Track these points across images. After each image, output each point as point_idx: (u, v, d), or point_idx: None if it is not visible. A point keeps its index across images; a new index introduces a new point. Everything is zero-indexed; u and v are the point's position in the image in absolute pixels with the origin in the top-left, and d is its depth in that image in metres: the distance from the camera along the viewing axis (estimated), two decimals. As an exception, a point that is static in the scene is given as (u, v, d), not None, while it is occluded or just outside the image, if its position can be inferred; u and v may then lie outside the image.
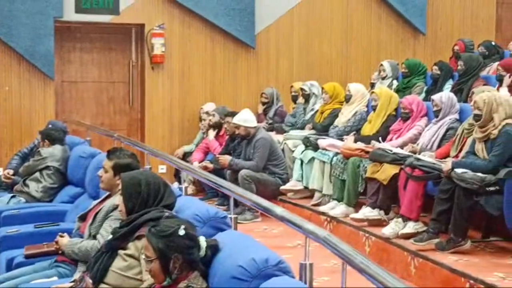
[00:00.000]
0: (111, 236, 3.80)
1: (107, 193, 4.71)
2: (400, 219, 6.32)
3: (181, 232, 3.06)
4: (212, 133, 9.29)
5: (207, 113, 9.70)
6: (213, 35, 10.27)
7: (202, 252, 3.12)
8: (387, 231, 6.32)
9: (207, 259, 3.15)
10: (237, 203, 7.25)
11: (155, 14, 9.99)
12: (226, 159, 8.30)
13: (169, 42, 10.03)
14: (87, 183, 6.18)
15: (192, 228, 3.17)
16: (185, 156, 9.91)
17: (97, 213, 4.49)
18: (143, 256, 3.24)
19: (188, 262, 3.09)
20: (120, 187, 3.94)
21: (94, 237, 4.37)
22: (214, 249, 3.17)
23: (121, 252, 3.76)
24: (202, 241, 3.14)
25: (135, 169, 4.37)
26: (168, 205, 3.81)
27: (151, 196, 3.76)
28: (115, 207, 4.23)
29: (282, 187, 8.23)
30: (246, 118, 8.22)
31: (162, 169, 9.95)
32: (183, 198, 4.25)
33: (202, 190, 9.30)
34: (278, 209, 3.66)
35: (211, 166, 8.74)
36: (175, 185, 8.91)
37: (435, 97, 7.02)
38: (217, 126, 9.32)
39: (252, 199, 4.04)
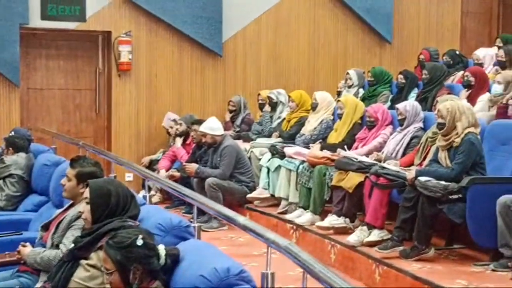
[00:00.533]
0: (73, 245, 3.76)
1: (71, 202, 4.67)
2: (365, 227, 6.36)
3: (139, 242, 3.04)
4: (179, 141, 9.28)
5: (174, 120, 9.68)
6: (180, 42, 10.26)
7: (162, 261, 3.11)
8: (352, 239, 6.35)
9: (167, 268, 3.14)
10: (204, 211, 7.24)
11: (122, 21, 9.95)
12: (192, 167, 8.29)
13: (136, 49, 10.00)
14: (51, 191, 6.11)
15: (150, 238, 3.15)
16: (152, 164, 9.88)
17: (60, 222, 4.44)
18: (102, 268, 3.22)
19: (148, 272, 3.08)
20: (84, 196, 3.91)
21: (57, 247, 4.33)
22: (174, 257, 3.16)
23: (83, 262, 3.73)
24: (161, 249, 3.13)
25: (99, 178, 4.33)
26: (132, 215, 3.79)
27: (119, 207, 3.73)
28: (78, 216, 4.19)
29: (248, 195, 8.24)
30: (212, 126, 8.23)
31: (129, 177, 9.89)
32: (147, 207, 4.22)
33: (169, 198, 9.28)
34: (241, 218, 3.66)
35: (177, 174, 8.74)
36: (141, 194, 8.90)
37: (400, 105, 7.08)
38: (184, 134, 9.31)
39: (215, 208, 4.03)
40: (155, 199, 9.39)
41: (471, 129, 5.85)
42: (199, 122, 8.69)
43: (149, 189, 9.02)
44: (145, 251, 3.07)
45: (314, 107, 8.33)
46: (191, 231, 3.70)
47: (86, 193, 3.82)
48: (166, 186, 5.33)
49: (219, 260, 3.04)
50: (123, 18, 9.97)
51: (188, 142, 9.30)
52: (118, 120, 10.09)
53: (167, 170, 9.19)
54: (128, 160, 9.80)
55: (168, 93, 10.28)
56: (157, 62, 10.19)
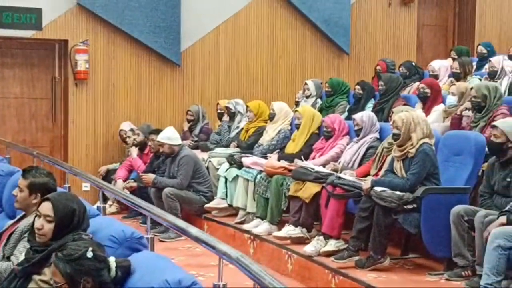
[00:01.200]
0: (23, 258, 3.69)
1: (23, 212, 4.59)
2: (321, 237, 6.39)
3: (89, 254, 3.01)
4: (134, 151, 9.22)
5: (131, 130, 9.62)
6: (138, 52, 10.20)
7: (113, 273, 3.08)
8: (309, 249, 6.37)
9: (118, 280, 3.10)
10: (160, 222, 7.19)
11: (79, 30, 9.86)
12: (150, 177, 8.25)
13: (93, 58, 9.91)
14: (4, 202, 5.99)
15: (100, 250, 3.12)
16: (110, 174, 9.80)
17: (11, 234, 4.36)
18: (51, 282, 3.17)
19: (99, 284, 3.04)
20: (42, 212, 3.79)
21: (8, 259, 4.25)
22: (125, 269, 3.13)
23: (36, 277, 3.66)
24: (112, 261, 3.10)
25: (52, 189, 4.27)
26: (85, 228, 3.74)
27: (79, 222, 3.69)
28: (29, 228, 4.12)
29: (206, 205, 8.22)
30: (170, 136, 8.20)
31: (86, 187, 9.77)
32: (100, 218, 4.18)
33: (126, 208, 9.20)
34: (193, 230, 3.65)
35: (134, 184, 8.69)
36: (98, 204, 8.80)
37: (356, 116, 7.14)
38: (142, 144, 9.26)
39: (168, 219, 4.01)
40: (112, 209, 9.31)
41: (426, 140, 5.92)
42: (157, 131, 8.65)
43: (106, 199, 8.97)
44: (95, 263, 3.04)
45: (272, 117, 8.35)
46: (144, 242, 3.67)
47: (46, 209, 3.71)
48: (120, 197, 5.28)
49: (170, 272, 3.01)
50: (80, 27, 9.87)
51: (146, 152, 9.25)
52: (75, 129, 9.98)
53: (124, 180, 9.13)
54: (85, 169, 9.78)
55: (126, 102, 10.21)
56: (115, 71, 10.12)
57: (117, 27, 9.98)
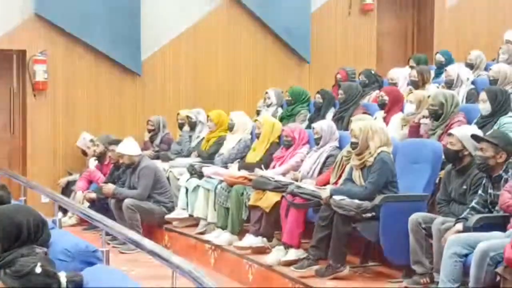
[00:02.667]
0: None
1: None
2: (282, 247, 6.38)
3: (38, 270, 2.95)
4: (92, 163, 9.14)
5: (91, 140, 9.53)
6: (97, 61, 10.12)
7: (63, 288, 3.03)
8: (269, 259, 6.37)
9: (69, 296, 3.05)
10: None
11: (37, 40, 9.75)
12: (110, 188, 8.18)
13: (52, 68, 9.81)
14: (-41, 216, 5.89)
15: (50, 265, 3.07)
16: (70, 185, 9.70)
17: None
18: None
19: (49, 300, 2.99)
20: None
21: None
22: (76, 284, 3.08)
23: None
24: (62, 276, 3.05)
25: (6, 202, 4.20)
26: (43, 242, 3.68)
27: (30, 235, 3.62)
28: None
29: (167, 216, 8.17)
30: (129, 147, 8.15)
31: (45, 199, 9.61)
32: (55, 231, 4.10)
33: (86, 220, 9.08)
34: (147, 243, 3.62)
35: (93, 195, 8.61)
36: (59, 216, 8.69)
37: (316, 125, 7.17)
38: (102, 155, 9.19)
39: (123, 232, 3.97)
40: (72, 221, 9.21)
41: (384, 148, 5.96)
42: (117, 142, 8.58)
43: (66, 211, 8.87)
44: (44, 279, 2.98)
45: (231, 127, 8.34)
46: (99, 256, 3.63)
47: None
48: (76, 210, 5.23)
49: (124, 286, 2.98)
50: (38, 37, 9.77)
51: (105, 162, 9.17)
52: (33, 141, 9.86)
53: (84, 191, 9.03)
54: (45, 181, 9.68)
55: (86, 112, 10.12)
56: (74, 81, 10.02)
57: (76, 37, 9.90)
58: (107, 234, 7.99)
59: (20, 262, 3.03)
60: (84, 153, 9.69)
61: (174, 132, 10.08)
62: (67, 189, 9.72)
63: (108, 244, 7.66)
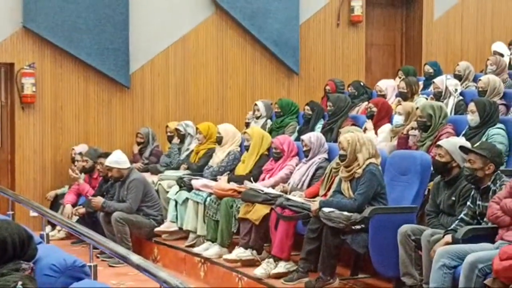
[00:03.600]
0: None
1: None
2: (271, 259, 6.37)
3: (19, 288, 2.93)
4: (81, 177, 9.10)
5: (80, 154, 9.50)
6: (86, 74, 10.09)
7: (47, 305, 3.00)
8: (259, 271, 6.35)
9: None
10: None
11: (25, 53, 9.72)
12: (99, 201, 8.14)
13: (40, 81, 9.78)
14: None
15: (32, 282, 3.04)
16: (58, 198, 9.66)
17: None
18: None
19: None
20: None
21: None
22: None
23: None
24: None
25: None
26: (29, 257, 3.65)
27: (16, 251, 3.59)
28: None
29: (156, 229, 8.14)
30: (118, 160, 8.12)
31: (33, 213, 9.57)
32: (43, 246, 4.08)
33: (75, 233, 9.05)
34: (134, 257, 3.60)
35: (83, 210, 8.58)
36: (47, 230, 8.66)
37: (305, 137, 7.17)
38: (90, 170, 9.16)
39: (109, 246, 3.95)
40: (61, 234, 9.18)
41: (372, 160, 5.97)
42: (106, 155, 8.56)
43: (54, 225, 8.84)
44: (25, 297, 2.96)
45: (219, 140, 8.31)
46: (86, 271, 3.59)
47: None
48: (64, 224, 5.20)
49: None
50: (26, 50, 9.74)
51: (94, 176, 9.14)
52: (22, 154, 9.82)
53: (73, 204, 9.01)
54: (33, 194, 9.66)
55: (74, 125, 10.08)
56: (63, 94, 9.99)
57: (65, 50, 9.87)
58: (96, 247, 8.02)
59: (1, 281, 3.01)
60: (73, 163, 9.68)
61: (163, 144, 10.06)
62: (55, 203, 9.67)
63: (97, 257, 7.65)
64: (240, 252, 6.81)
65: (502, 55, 9.82)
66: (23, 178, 9.84)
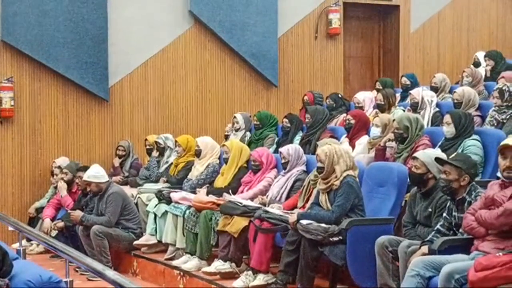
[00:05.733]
0: None
1: None
2: (250, 272, 6.38)
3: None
4: (64, 189, 9.07)
5: (59, 167, 9.47)
6: (65, 88, 10.08)
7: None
8: (237, 284, 6.36)
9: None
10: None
11: (3, 67, 9.70)
12: (78, 215, 8.12)
13: (18, 95, 9.76)
14: None
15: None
16: (38, 212, 9.61)
17: None
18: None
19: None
20: None
21: None
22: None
23: None
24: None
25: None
26: (4, 273, 3.65)
27: None
28: None
29: (135, 242, 8.12)
30: (96, 174, 8.10)
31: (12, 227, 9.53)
32: (19, 262, 4.08)
33: (54, 247, 9.01)
34: (110, 273, 3.60)
35: (61, 224, 8.55)
36: (26, 243, 8.62)
37: (283, 149, 7.20)
38: (70, 183, 9.13)
39: (85, 261, 3.95)
40: (40, 248, 9.13)
41: (349, 172, 6.01)
42: (85, 169, 8.55)
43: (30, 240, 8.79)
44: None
45: (198, 153, 8.32)
46: (62, 286, 3.61)
47: None
48: (39, 240, 5.19)
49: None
50: (4, 64, 9.72)
51: (73, 190, 9.11)
52: (0, 168, 9.77)
53: (51, 218, 8.97)
54: (12, 208, 9.63)
55: (53, 139, 10.05)
56: (41, 108, 9.97)
57: (43, 64, 9.86)
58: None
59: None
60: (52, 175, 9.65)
61: (142, 157, 10.06)
62: (36, 216, 9.63)
63: (76, 271, 7.64)
64: (219, 265, 6.81)
65: (479, 64, 9.94)
66: (1, 192, 9.79)
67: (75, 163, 9.41)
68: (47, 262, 8.18)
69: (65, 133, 10.13)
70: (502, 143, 4.98)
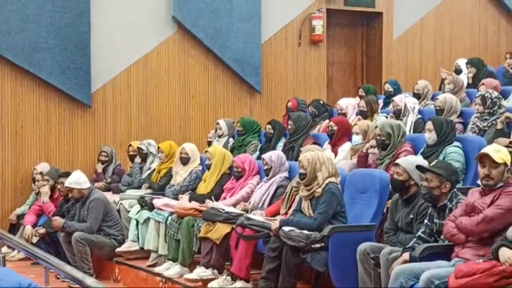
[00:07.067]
0: None
1: None
2: (228, 277, 6.38)
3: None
4: (46, 195, 9.01)
5: (41, 174, 9.42)
6: (47, 93, 10.01)
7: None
8: (213, 285, 6.35)
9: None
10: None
11: (-16, 73, 9.66)
12: (60, 221, 8.06)
13: (0, 101, 9.70)
14: None
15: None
16: (19, 219, 9.55)
17: None
18: None
19: None
20: None
21: None
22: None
23: None
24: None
25: None
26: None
27: None
28: None
29: (117, 249, 8.08)
30: (78, 180, 8.04)
31: (-8, 233, 9.46)
32: (-2, 269, 4.05)
33: (35, 254, 8.94)
34: (89, 280, 3.58)
35: (43, 231, 8.49)
36: (2, 253, 8.52)
37: (265, 156, 7.20)
38: (52, 189, 9.08)
39: (65, 269, 3.92)
40: (21, 255, 9.04)
41: (332, 179, 6.02)
42: (67, 175, 8.49)
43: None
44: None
45: (185, 161, 8.27)
46: (41, 294, 3.57)
47: None
48: (19, 247, 5.15)
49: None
50: (-15, 70, 9.68)
51: (55, 196, 9.06)
52: (-19, 174, 9.72)
53: (33, 225, 8.91)
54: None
55: (35, 145, 9.99)
56: (23, 114, 9.90)
57: (25, 69, 9.80)
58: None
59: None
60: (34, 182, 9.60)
61: (125, 163, 10.02)
62: (17, 223, 9.57)
63: (57, 278, 7.58)
64: (201, 272, 6.80)
65: (460, 71, 9.98)
66: (-17, 198, 9.74)
67: (56, 169, 9.35)
68: (28, 269, 8.10)
69: (47, 139, 10.07)
70: (480, 152, 5.02)
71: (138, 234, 8.04)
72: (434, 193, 5.23)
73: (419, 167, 5.44)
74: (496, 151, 4.96)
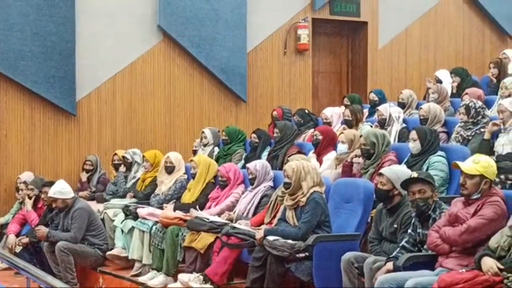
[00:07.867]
0: None
1: None
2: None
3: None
4: (29, 204, 8.96)
5: (24, 183, 9.36)
6: (32, 102, 9.97)
7: None
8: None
9: None
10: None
11: (-32, 80, 9.60)
12: (44, 231, 8.01)
13: (-17, 109, 9.68)
14: None
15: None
16: (2, 228, 9.49)
17: None
18: None
19: None
20: None
21: None
22: None
23: None
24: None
25: None
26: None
27: None
28: None
29: (108, 253, 8.00)
30: (62, 190, 8.00)
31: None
32: (-21, 280, 4.02)
33: (19, 263, 8.88)
34: (71, 291, 3.57)
35: (26, 240, 8.43)
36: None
37: (250, 165, 7.20)
38: (36, 198, 9.03)
39: (47, 280, 3.90)
40: (4, 265, 8.96)
41: (316, 189, 6.02)
42: (51, 184, 8.44)
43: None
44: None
45: (170, 170, 8.24)
46: (23, 305, 3.55)
47: None
48: (1, 257, 5.11)
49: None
50: (-31, 78, 9.63)
51: (39, 205, 9.00)
52: (-35, 183, 9.67)
53: (16, 234, 8.85)
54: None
55: (19, 154, 9.94)
56: (7, 122, 9.86)
57: (10, 77, 9.76)
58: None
59: None
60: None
61: (109, 172, 9.98)
62: (0, 232, 9.51)
63: (41, 288, 7.52)
64: (193, 277, 6.75)
65: (440, 82, 10.02)
66: (-34, 207, 9.67)
67: (40, 178, 9.30)
68: (11, 279, 8.06)
69: (31, 148, 10.02)
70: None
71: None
72: (430, 202, 5.22)
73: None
74: (475, 162, 4.98)
